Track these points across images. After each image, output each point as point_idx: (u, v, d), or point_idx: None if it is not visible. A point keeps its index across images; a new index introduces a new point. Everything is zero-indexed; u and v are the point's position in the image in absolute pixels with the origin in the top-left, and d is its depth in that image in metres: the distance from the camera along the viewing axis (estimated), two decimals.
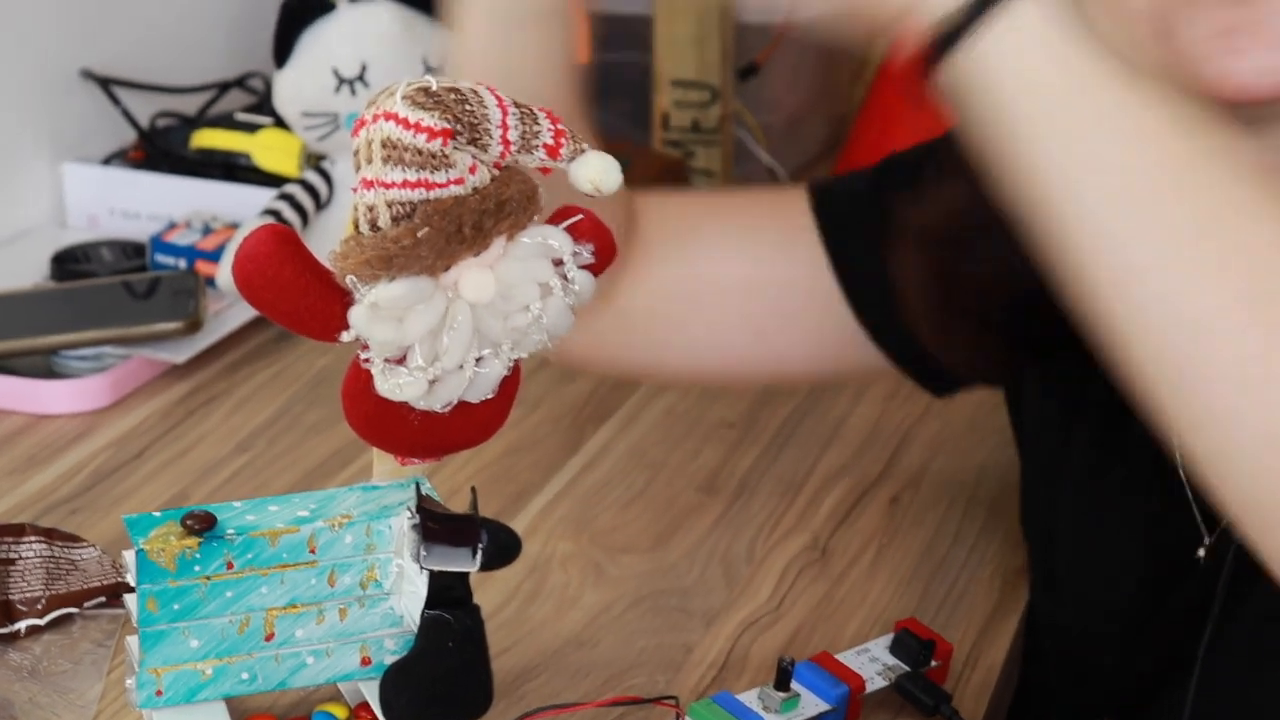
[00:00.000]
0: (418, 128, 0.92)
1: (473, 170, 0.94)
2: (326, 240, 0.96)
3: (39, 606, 1.21)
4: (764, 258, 1.29)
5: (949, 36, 0.91)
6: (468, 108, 0.93)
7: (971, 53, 0.91)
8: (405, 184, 0.92)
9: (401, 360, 0.96)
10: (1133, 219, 0.88)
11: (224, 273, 1.59)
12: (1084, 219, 0.89)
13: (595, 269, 0.98)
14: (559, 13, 1.17)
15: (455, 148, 0.93)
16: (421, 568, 1.04)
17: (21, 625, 1.20)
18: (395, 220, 0.93)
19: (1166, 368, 0.88)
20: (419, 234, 0.92)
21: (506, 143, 0.94)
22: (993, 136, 0.91)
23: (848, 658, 1.15)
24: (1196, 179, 0.88)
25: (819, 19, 0.98)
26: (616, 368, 1.40)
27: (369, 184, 0.93)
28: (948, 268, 1.20)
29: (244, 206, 1.70)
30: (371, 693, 1.09)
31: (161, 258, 1.67)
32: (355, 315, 0.94)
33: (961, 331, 1.22)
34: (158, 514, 1.07)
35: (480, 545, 1.04)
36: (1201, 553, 1.15)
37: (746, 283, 1.29)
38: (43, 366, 1.54)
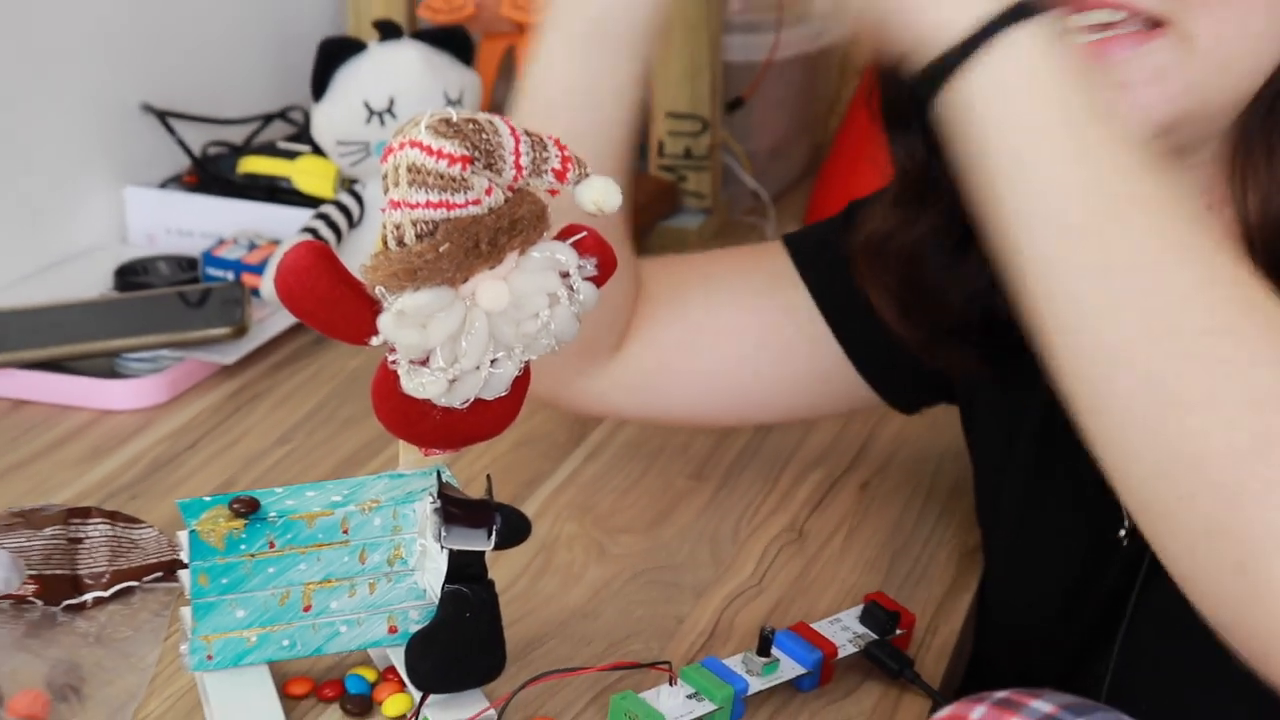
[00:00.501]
0: (440, 154, 0.91)
1: (489, 192, 0.94)
2: (358, 255, 0.96)
3: (104, 580, 1.21)
4: (750, 305, 1.30)
5: (948, 61, 0.91)
6: (484, 136, 0.93)
7: (965, 76, 0.91)
8: (428, 204, 0.92)
9: (425, 362, 0.96)
10: (1072, 249, 0.89)
11: (267, 284, 1.58)
12: (1033, 242, 0.90)
13: (598, 280, 0.98)
14: (635, 40, 1.17)
15: (473, 172, 0.92)
16: (442, 547, 1.04)
17: (89, 597, 1.20)
18: (419, 237, 0.93)
19: (1083, 385, 0.89)
20: (440, 249, 0.92)
21: (519, 168, 0.94)
22: (968, 151, 0.92)
23: (822, 627, 1.15)
24: (1136, 221, 0.88)
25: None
26: (630, 416, 1.41)
27: (396, 204, 0.93)
28: (907, 279, 1.20)
29: (285, 225, 1.70)
30: (398, 658, 1.09)
31: (212, 271, 1.67)
32: (384, 322, 0.93)
33: (921, 336, 1.22)
34: (208, 499, 1.08)
35: (495, 527, 1.04)
36: (1122, 533, 1.15)
37: (738, 330, 1.30)
38: (106, 368, 1.54)
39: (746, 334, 1.30)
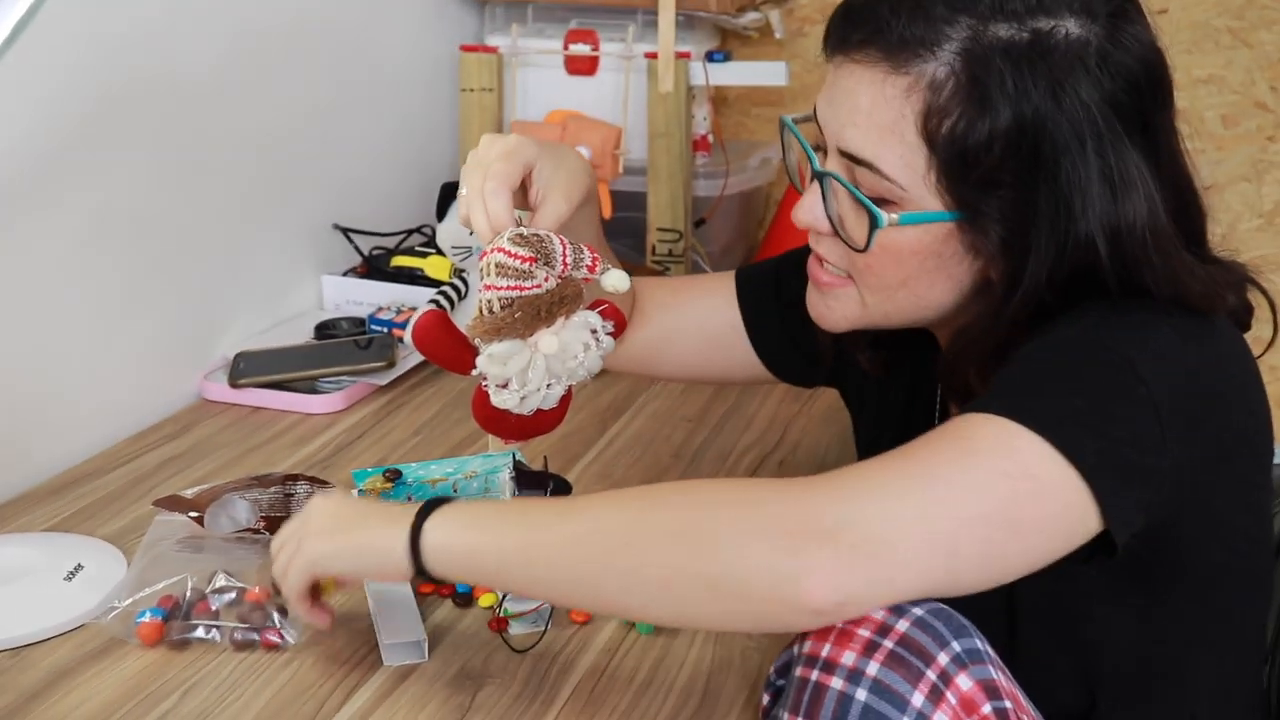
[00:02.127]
0: (516, 256, 0.91)
1: (546, 279, 0.93)
2: (464, 318, 0.95)
3: None
4: (706, 313, 1.22)
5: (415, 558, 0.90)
6: (544, 245, 0.92)
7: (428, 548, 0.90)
8: (508, 288, 0.91)
9: (505, 385, 0.95)
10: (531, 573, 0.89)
11: (407, 335, 1.56)
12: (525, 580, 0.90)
13: (615, 335, 0.97)
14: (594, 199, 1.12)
15: (537, 267, 0.92)
16: None
17: None
18: (503, 308, 0.92)
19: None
20: (515, 316, 0.91)
21: (565, 264, 0.93)
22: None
23: None
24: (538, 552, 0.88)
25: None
26: (638, 372, 1.30)
27: (487, 287, 0.92)
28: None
29: (419, 298, 1.68)
30: None
31: (374, 327, 1.66)
32: (479, 360, 0.93)
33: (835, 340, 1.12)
34: (370, 470, 1.06)
35: (549, 488, 1.03)
36: None
37: (699, 328, 1.22)
38: (310, 387, 1.53)
39: (705, 330, 1.22)
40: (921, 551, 0.80)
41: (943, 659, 0.81)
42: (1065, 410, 0.83)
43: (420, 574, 0.91)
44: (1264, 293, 0.97)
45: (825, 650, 0.82)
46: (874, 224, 0.91)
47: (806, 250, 1.18)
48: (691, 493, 0.87)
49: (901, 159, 0.90)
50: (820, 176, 0.95)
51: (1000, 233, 0.90)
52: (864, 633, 0.81)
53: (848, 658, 0.81)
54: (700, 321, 1.23)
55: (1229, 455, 0.90)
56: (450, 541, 0.90)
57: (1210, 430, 0.88)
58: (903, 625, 0.81)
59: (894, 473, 0.83)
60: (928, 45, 0.88)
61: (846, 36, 0.92)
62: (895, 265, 0.93)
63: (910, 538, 0.80)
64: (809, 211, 0.96)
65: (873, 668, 0.80)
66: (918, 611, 0.82)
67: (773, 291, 1.21)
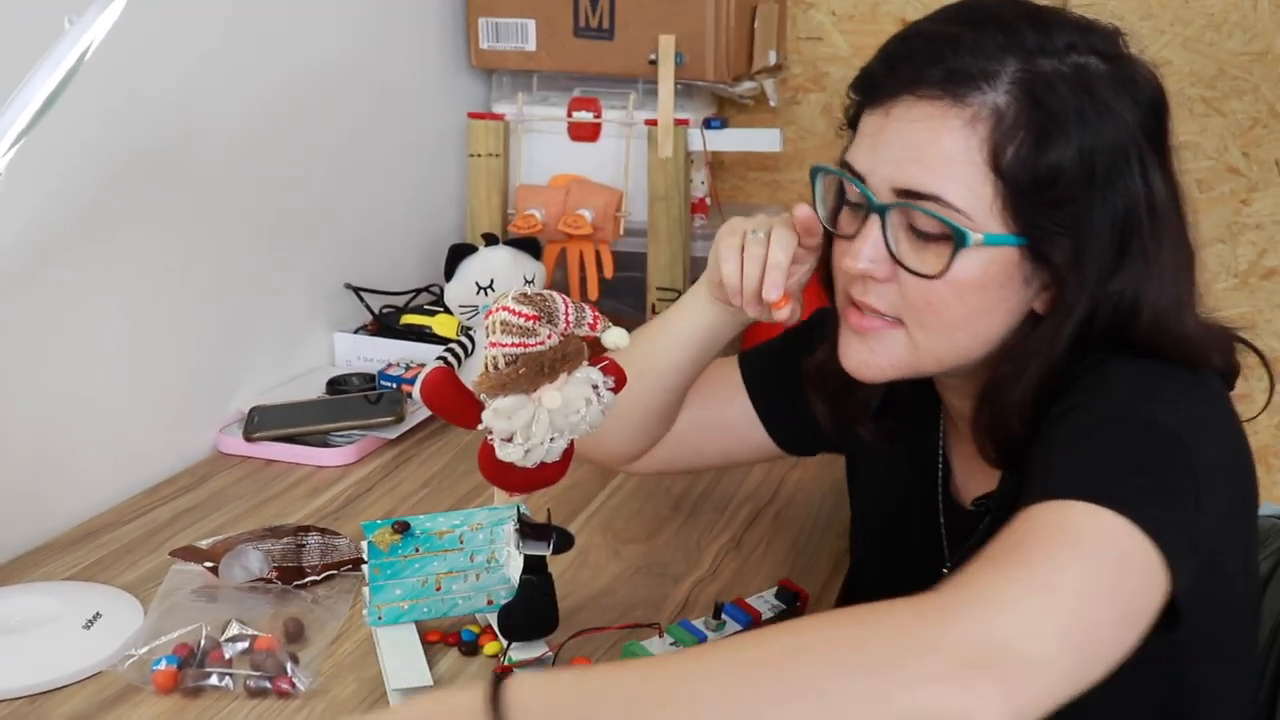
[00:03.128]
0: (520, 314, 0.91)
1: (550, 337, 0.93)
2: (471, 374, 0.95)
3: (317, 569, 1.20)
4: (718, 401, 1.22)
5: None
6: (547, 303, 0.92)
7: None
8: (513, 345, 0.91)
9: (510, 439, 0.94)
10: None
11: (416, 391, 1.58)
12: None
13: (615, 390, 0.97)
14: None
15: (540, 325, 0.91)
16: (520, 552, 1.02)
17: (308, 580, 1.19)
18: (508, 364, 0.92)
19: None
20: (520, 372, 0.91)
21: (568, 322, 0.93)
22: None
23: (752, 601, 1.14)
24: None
25: None
26: (665, 470, 1.28)
27: (493, 344, 0.92)
28: (834, 385, 1.09)
29: (427, 355, 1.68)
30: (493, 620, 1.07)
31: (384, 382, 1.65)
32: (485, 415, 0.92)
33: (837, 416, 1.12)
34: (379, 521, 1.06)
35: (552, 539, 1.02)
36: (945, 569, 1.08)
37: (714, 423, 1.22)
38: (321, 440, 1.52)
39: (720, 425, 1.22)
40: (1070, 661, 0.74)
41: None
42: (1139, 488, 0.80)
43: None
44: (1257, 352, 0.97)
45: None
46: (959, 244, 0.89)
47: (804, 326, 1.19)
48: (806, 654, 0.71)
49: (968, 189, 0.89)
50: (882, 211, 0.92)
51: (1069, 248, 0.90)
52: None
53: None
54: (714, 410, 1.22)
55: (1232, 512, 0.89)
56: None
57: (1225, 490, 0.87)
58: None
59: (1019, 584, 0.74)
60: (986, 77, 0.89)
61: (896, 76, 0.91)
62: (959, 301, 0.92)
63: (1060, 651, 0.73)
64: (870, 250, 0.93)
65: None
66: None
67: (775, 366, 1.20)
